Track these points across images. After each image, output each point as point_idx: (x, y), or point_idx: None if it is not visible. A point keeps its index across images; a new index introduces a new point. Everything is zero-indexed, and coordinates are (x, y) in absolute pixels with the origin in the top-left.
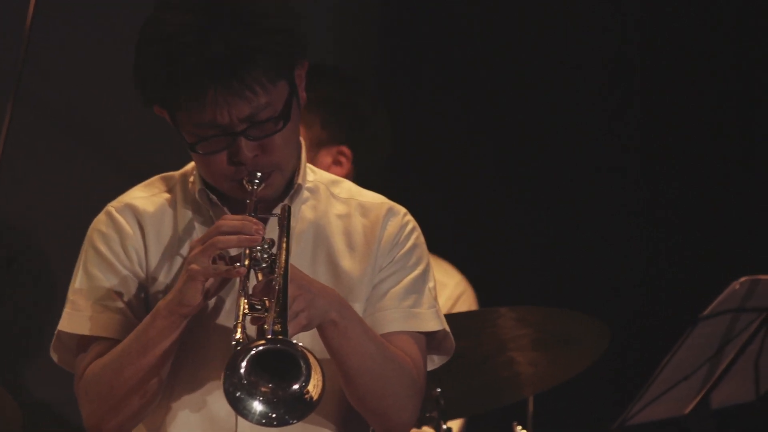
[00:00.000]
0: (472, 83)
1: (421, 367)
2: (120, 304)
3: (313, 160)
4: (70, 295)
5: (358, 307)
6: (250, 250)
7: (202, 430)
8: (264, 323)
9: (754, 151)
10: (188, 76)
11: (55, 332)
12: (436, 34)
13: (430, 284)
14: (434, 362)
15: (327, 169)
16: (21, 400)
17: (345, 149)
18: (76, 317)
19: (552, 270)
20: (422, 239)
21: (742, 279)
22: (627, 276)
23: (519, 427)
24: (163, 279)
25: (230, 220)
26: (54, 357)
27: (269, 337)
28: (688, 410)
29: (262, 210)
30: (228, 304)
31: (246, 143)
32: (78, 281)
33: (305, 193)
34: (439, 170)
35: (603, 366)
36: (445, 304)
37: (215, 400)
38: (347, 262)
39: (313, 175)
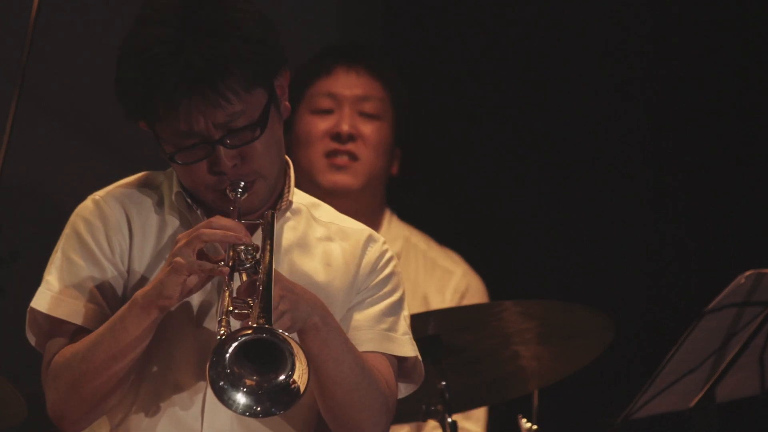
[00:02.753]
0: (477, 74)
1: (393, 388)
2: (96, 295)
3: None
4: (47, 276)
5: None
6: (234, 251)
7: (167, 430)
8: (248, 319)
9: (761, 145)
10: (163, 87)
11: (28, 310)
12: (441, 23)
13: (405, 312)
14: (401, 392)
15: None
16: (25, 392)
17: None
18: (50, 298)
19: (557, 264)
20: (399, 269)
21: (748, 272)
22: (632, 270)
23: (524, 420)
24: (143, 275)
25: (220, 219)
26: (31, 340)
27: (253, 326)
28: (692, 404)
29: (245, 219)
30: (202, 305)
31: (225, 152)
32: (56, 265)
33: (287, 214)
34: (444, 163)
35: (608, 359)
36: (453, 296)
37: (182, 400)
38: (322, 278)
39: (296, 196)
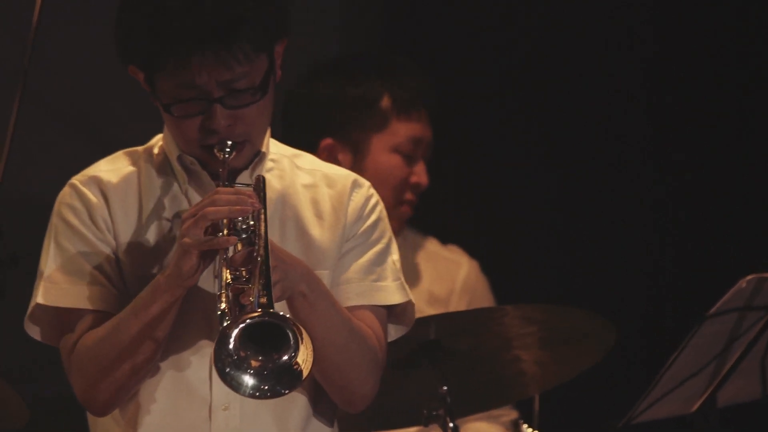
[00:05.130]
0: (477, 77)
1: (383, 341)
2: (98, 275)
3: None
4: (44, 269)
5: (327, 275)
6: (230, 220)
7: (176, 396)
8: (249, 295)
9: (762, 146)
10: (176, 40)
11: (31, 306)
12: (443, 25)
13: (394, 256)
14: (391, 335)
15: None
16: (26, 396)
17: None
18: (55, 290)
19: (558, 268)
20: (385, 213)
21: (749, 277)
22: (633, 274)
23: (525, 426)
24: (132, 248)
25: (225, 194)
26: (34, 334)
27: (259, 311)
28: (694, 409)
29: (229, 181)
30: (204, 273)
31: (221, 111)
32: (51, 256)
33: (268, 164)
34: (444, 165)
35: (609, 364)
36: (461, 286)
37: (190, 364)
38: (316, 231)
39: (275, 147)
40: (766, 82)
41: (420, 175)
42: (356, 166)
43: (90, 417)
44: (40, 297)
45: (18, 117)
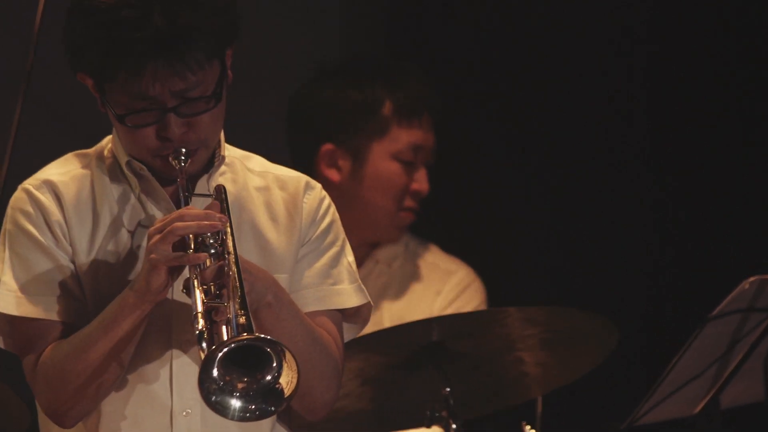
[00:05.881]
0: (477, 79)
1: (341, 345)
2: (56, 284)
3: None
4: (1, 276)
5: (285, 279)
6: (197, 235)
7: (137, 403)
8: (224, 313)
9: (764, 149)
10: (128, 50)
11: None
12: (443, 26)
13: (349, 258)
14: (349, 334)
15: None
16: (28, 400)
17: None
18: (13, 299)
19: (560, 270)
20: (337, 215)
21: (752, 278)
22: (636, 276)
23: (528, 427)
24: (88, 254)
25: (190, 210)
26: None
27: (244, 335)
28: (697, 410)
29: (182, 186)
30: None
31: (175, 120)
32: (7, 263)
33: (222, 167)
34: (446, 169)
35: (611, 365)
36: (452, 290)
37: (150, 372)
38: (272, 235)
39: (227, 150)
40: (766, 82)
41: (421, 182)
42: (356, 173)
43: (42, 421)
44: (1, 305)
45: (20, 118)
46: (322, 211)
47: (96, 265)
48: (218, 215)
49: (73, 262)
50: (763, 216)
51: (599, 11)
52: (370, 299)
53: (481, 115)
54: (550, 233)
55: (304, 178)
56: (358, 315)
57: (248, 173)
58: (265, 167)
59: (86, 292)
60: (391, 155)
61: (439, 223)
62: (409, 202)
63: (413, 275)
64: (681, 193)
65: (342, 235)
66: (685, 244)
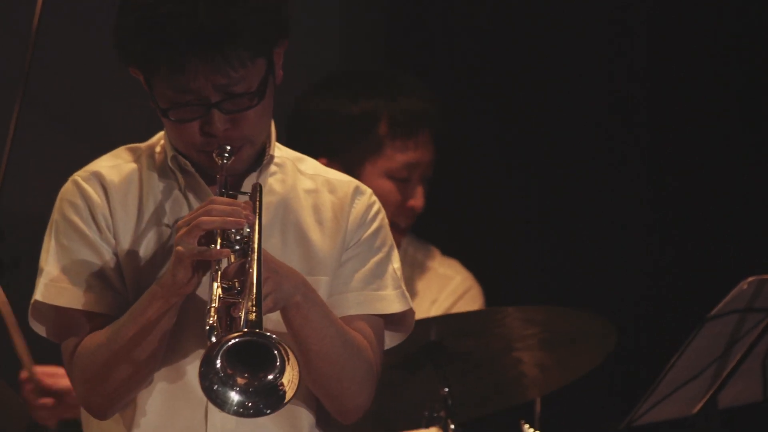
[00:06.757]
0: (476, 80)
1: (378, 351)
2: (98, 277)
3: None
4: (45, 267)
5: (326, 281)
6: (223, 231)
7: (173, 397)
8: (239, 311)
9: (764, 150)
10: (172, 45)
11: (32, 302)
12: (443, 32)
13: (395, 264)
14: (387, 343)
15: None
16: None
17: None
18: (55, 289)
19: (559, 270)
20: (386, 221)
21: (750, 279)
22: (634, 276)
23: (526, 426)
24: (130, 248)
25: (220, 204)
26: (40, 330)
27: (245, 330)
28: (695, 410)
29: (231, 183)
30: (204, 279)
31: (219, 116)
32: (51, 253)
33: (272, 167)
34: (445, 169)
35: (610, 365)
36: (448, 298)
37: (184, 366)
38: (316, 236)
39: (279, 150)
40: (766, 82)
41: (416, 199)
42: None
43: (84, 416)
44: (39, 294)
45: (19, 119)
46: (370, 216)
47: (138, 258)
48: (245, 212)
49: (116, 254)
50: (763, 216)
51: (599, 11)
52: (412, 306)
53: (481, 115)
54: (550, 233)
55: (354, 182)
56: (401, 323)
57: (299, 175)
58: (317, 170)
59: (127, 284)
60: (385, 173)
61: (439, 224)
62: (402, 221)
63: (410, 283)
64: (680, 193)
65: (390, 241)
66: (684, 244)
